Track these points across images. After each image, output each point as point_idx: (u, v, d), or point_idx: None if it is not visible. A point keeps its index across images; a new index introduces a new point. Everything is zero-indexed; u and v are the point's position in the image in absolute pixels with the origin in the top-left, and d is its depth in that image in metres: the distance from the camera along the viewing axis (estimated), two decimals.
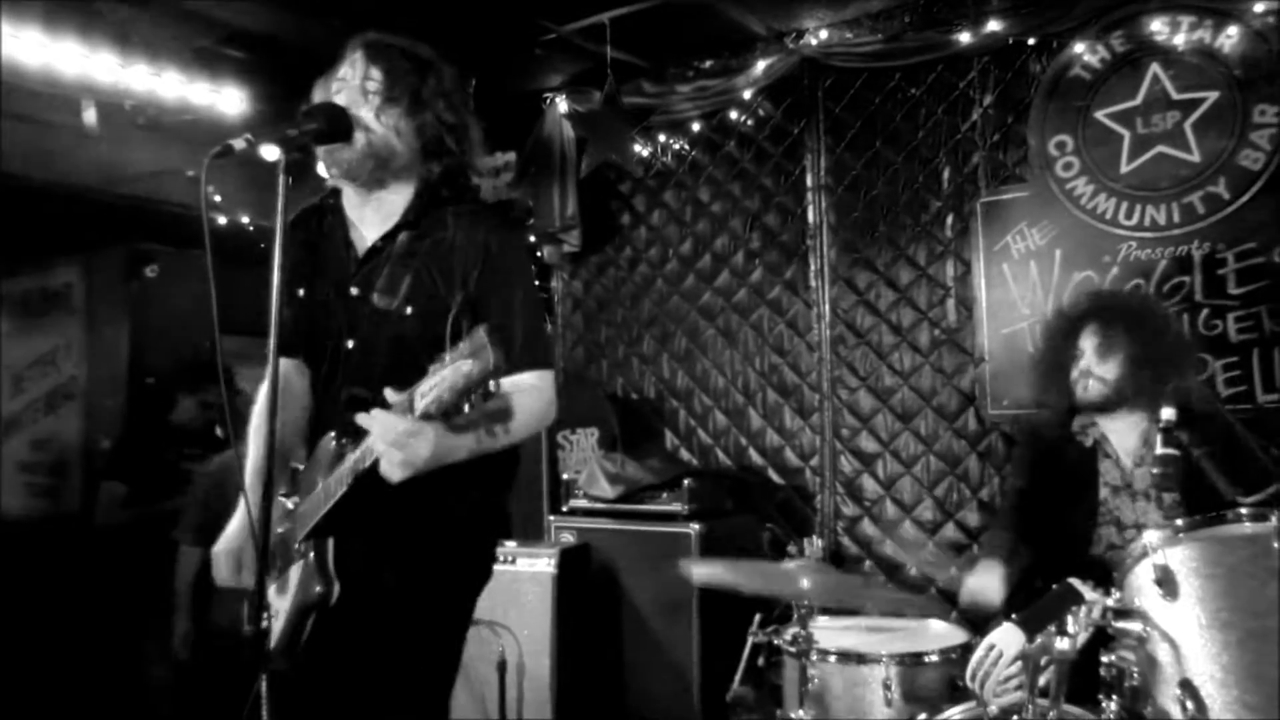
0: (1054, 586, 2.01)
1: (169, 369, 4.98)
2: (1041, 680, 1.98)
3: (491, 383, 1.59)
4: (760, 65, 4.58)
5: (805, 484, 4.59)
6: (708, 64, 4.81)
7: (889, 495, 4.37)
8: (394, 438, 1.72)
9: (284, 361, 2.17)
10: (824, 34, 4.45)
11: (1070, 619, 1.93)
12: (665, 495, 4.12)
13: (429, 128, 2.05)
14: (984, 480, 4.15)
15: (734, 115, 4.81)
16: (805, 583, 2.33)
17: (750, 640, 2.87)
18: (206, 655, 4.04)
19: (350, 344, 2.06)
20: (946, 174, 4.28)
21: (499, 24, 4.42)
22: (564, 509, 4.35)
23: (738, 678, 2.89)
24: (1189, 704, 1.77)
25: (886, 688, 2.54)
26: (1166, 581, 1.88)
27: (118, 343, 5.45)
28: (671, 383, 5.01)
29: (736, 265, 4.83)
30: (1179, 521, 1.99)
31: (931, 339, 4.31)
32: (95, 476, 4.85)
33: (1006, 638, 2.13)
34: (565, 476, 4.44)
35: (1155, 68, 3.79)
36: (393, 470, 1.75)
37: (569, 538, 4.21)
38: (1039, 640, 1.92)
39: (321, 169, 2.07)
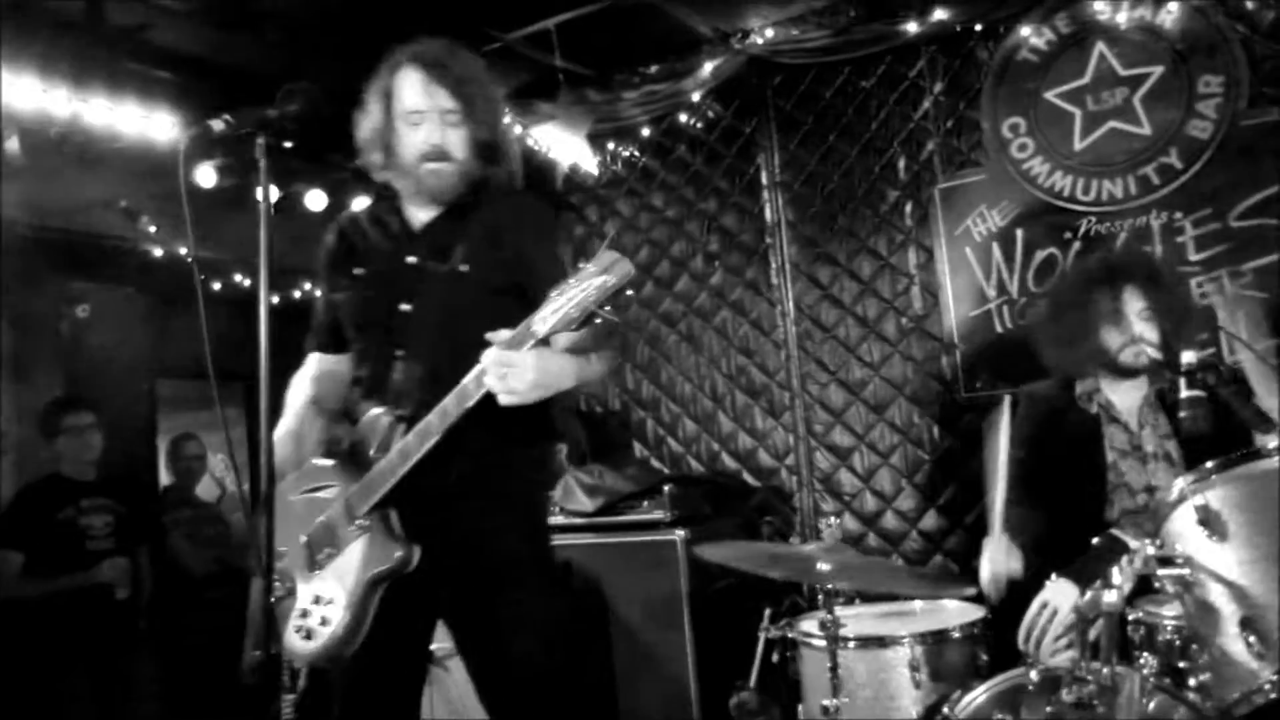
0: (1095, 540, 1.97)
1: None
2: (1090, 636, 1.93)
3: (629, 291, 1.74)
4: (707, 67, 4.55)
5: (782, 483, 4.54)
6: (653, 69, 4.77)
7: (868, 488, 4.34)
8: (502, 370, 1.85)
9: (325, 358, 2.35)
10: (770, 32, 4.44)
11: (1115, 570, 1.89)
12: (646, 504, 4.01)
13: (491, 142, 2.20)
14: (964, 464, 4.14)
15: (683, 118, 4.78)
16: (827, 565, 2.25)
17: (763, 636, 2.78)
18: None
19: (405, 307, 2.15)
20: (902, 163, 4.30)
21: (441, 32, 4.32)
22: None
23: (754, 675, 2.80)
24: (1252, 639, 1.74)
25: (914, 669, 2.48)
26: (1211, 522, 1.84)
27: (50, 391, 5.14)
28: (636, 393, 4.92)
29: (696, 269, 4.78)
30: (1208, 464, 1.97)
31: (899, 328, 4.30)
32: None
33: (1059, 593, 2.08)
34: None
35: (1101, 46, 3.86)
36: (505, 397, 1.88)
37: None
38: (1088, 594, 1.87)
39: (413, 187, 2.21)
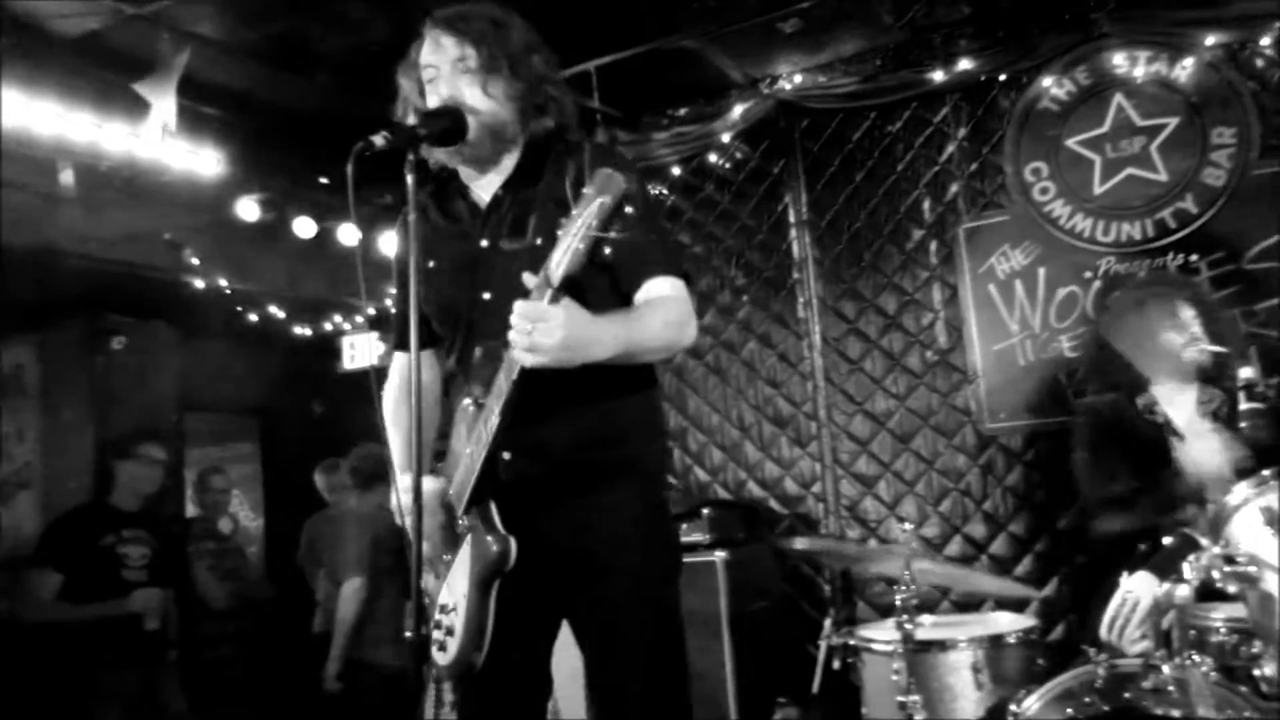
0: (1167, 538, 2.12)
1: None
2: (1163, 627, 2.07)
3: (628, 208, 1.57)
4: (737, 110, 4.76)
5: (808, 511, 4.67)
6: (682, 111, 4.98)
7: (893, 515, 4.48)
8: (526, 325, 1.65)
9: (407, 356, 2.13)
10: (799, 78, 4.67)
11: (1186, 567, 2.04)
12: (685, 526, 4.13)
13: (530, 88, 2.00)
14: (987, 493, 4.30)
15: (712, 158, 4.98)
16: (911, 562, 2.40)
17: (824, 644, 2.89)
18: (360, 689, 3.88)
19: (486, 295, 2.00)
20: (927, 204, 4.50)
21: None
22: None
23: (816, 684, 2.90)
24: None
25: (976, 670, 2.61)
26: (1277, 522, 1.99)
27: (80, 424, 5.17)
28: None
29: (723, 303, 4.95)
30: (1265, 471, 2.12)
31: (923, 361, 4.48)
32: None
33: (1141, 585, 2.22)
34: None
35: (1119, 98, 4.10)
36: (527, 356, 1.68)
37: None
38: (1165, 587, 2.01)
39: (442, 157, 2.03)
